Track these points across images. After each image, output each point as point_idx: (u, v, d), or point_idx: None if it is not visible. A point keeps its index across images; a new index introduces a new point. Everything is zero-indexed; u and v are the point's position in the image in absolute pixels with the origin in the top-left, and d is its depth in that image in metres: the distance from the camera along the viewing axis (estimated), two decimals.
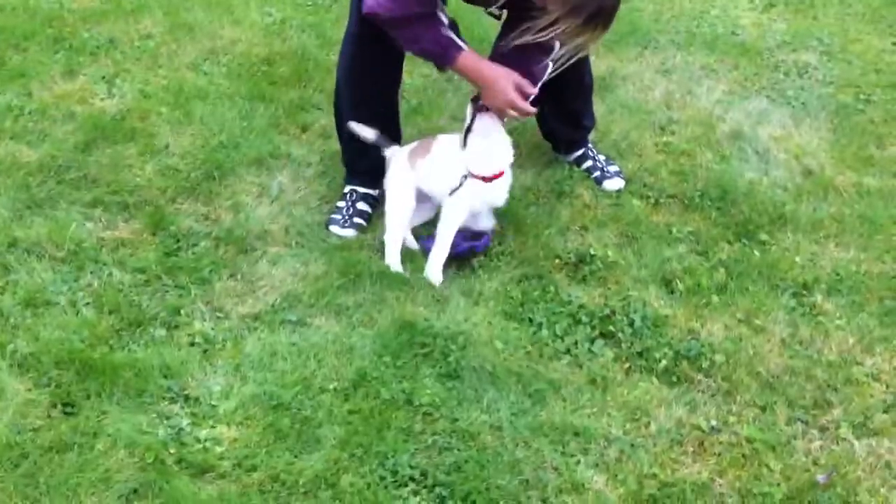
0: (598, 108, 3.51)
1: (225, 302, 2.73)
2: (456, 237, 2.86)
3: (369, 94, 3.02)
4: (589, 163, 3.34)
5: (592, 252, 2.93)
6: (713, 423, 2.40)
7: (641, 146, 3.47)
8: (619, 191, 3.23)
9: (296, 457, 2.27)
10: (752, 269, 2.90)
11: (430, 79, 3.79)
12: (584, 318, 2.71)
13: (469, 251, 2.91)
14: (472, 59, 2.78)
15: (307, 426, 2.35)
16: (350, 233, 3.04)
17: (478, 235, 2.93)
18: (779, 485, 2.24)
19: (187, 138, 3.37)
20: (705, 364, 2.56)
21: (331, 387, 2.46)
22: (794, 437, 2.36)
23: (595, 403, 2.46)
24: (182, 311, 2.67)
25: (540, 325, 2.69)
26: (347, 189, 3.15)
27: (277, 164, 3.32)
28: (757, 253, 2.96)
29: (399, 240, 2.92)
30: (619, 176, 3.29)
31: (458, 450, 2.31)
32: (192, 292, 2.74)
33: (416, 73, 3.83)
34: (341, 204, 3.12)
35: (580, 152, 3.36)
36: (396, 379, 2.49)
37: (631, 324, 2.70)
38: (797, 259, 2.94)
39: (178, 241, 2.92)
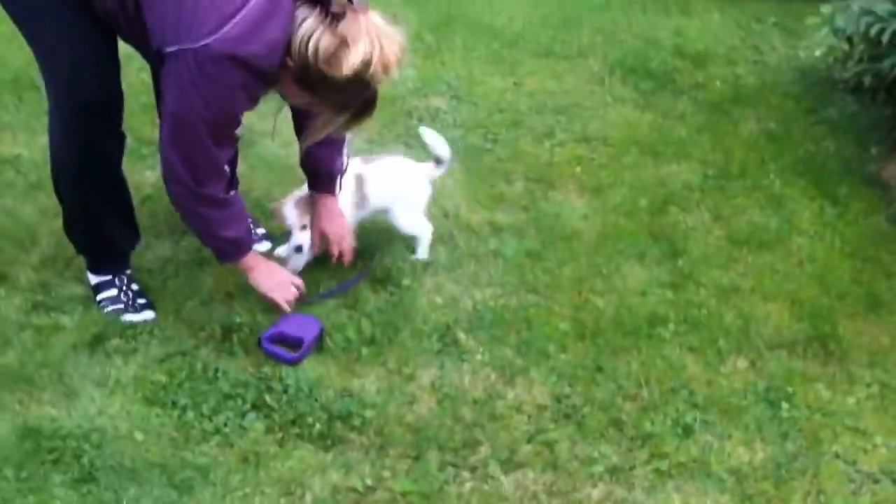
0: (240, 164, 3.41)
1: None
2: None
3: (96, 182, 2.74)
4: None
5: (239, 320, 2.82)
6: (368, 482, 2.37)
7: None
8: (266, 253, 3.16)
9: None
10: (399, 316, 2.92)
11: None
12: (234, 393, 2.59)
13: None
14: (255, 257, 2.81)
15: None
16: (150, 315, 2.84)
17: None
18: None
19: None
20: (357, 422, 2.53)
21: None
22: (446, 482, 2.39)
23: (247, 483, 2.34)
24: None
25: (185, 407, 2.53)
26: (107, 277, 2.86)
27: None
28: (402, 300, 2.99)
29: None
30: (265, 239, 3.22)
31: None
32: None
33: (34, 145, 3.53)
34: (112, 293, 2.84)
35: None
36: (21, 494, 2.24)
37: (285, 390, 2.61)
38: (439, 300, 3.02)
39: None
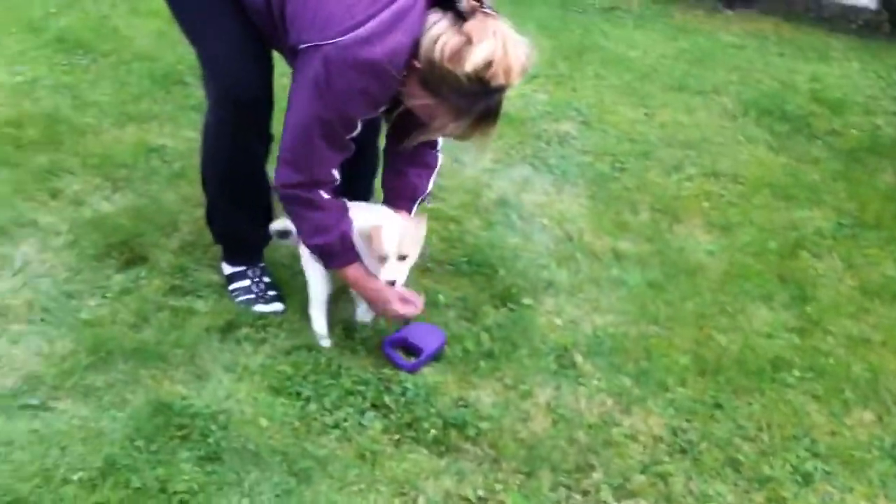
0: None
1: None
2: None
3: (240, 178, 2.84)
4: None
5: (360, 320, 2.89)
6: (480, 492, 2.38)
7: None
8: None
9: None
10: (517, 333, 2.94)
11: (194, 143, 3.64)
12: (355, 390, 2.65)
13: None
14: (361, 271, 2.70)
15: None
16: (279, 307, 2.91)
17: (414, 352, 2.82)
18: None
19: None
20: (472, 432, 2.55)
21: (75, 477, 2.26)
22: (557, 502, 2.38)
23: (363, 479, 2.38)
24: None
25: (308, 398, 2.60)
26: (241, 268, 2.97)
27: (22, 233, 3.07)
28: (521, 317, 3.01)
29: (323, 311, 2.80)
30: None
31: None
32: None
33: (179, 137, 3.69)
34: (245, 283, 2.94)
35: None
36: (150, 465, 2.32)
37: (404, 393, 2.66)
38: (559, 322, 3.02)
39: None
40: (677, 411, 2.71)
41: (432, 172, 2.85)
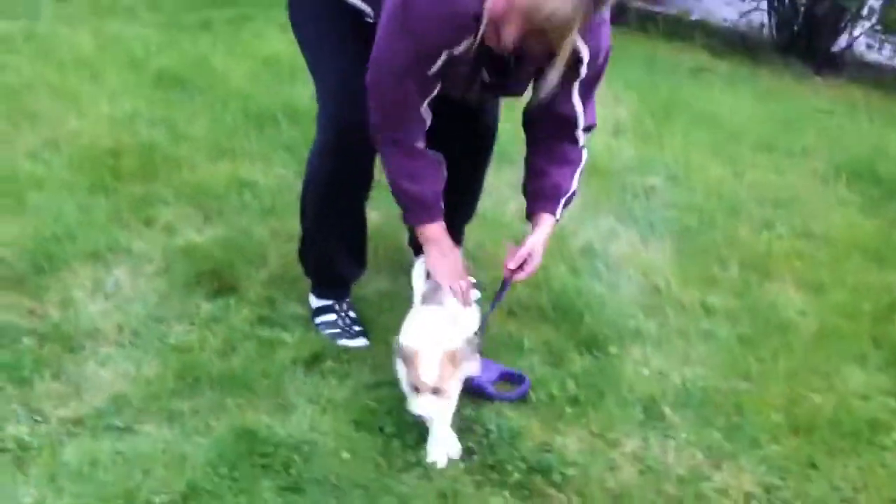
0: None
1: (44, 404, 2.49)
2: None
3: (338, 209, 2.85)
4: None
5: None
6: None
7: (496, 257, 3.45)
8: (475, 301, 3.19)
9: None
10: (604, 381, 2.87)
11: (285, 180, 3.71)
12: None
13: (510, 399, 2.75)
14: (441, 233, 2.68)
15: None
16: (363, 342, 2.91)
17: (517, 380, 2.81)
18: None
19: (16, 227, 3.13)
20: (557, 478, 2.48)
21: (157, 500, 2.25)
22: None
23: None
24: None
25: (390, 435, 2.56)
26: (329, 302, 2.98)
27: (115, 258, 3.13)
28: (608, 365, 2.95)
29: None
30: (475, 288, 3.26)
31: None
32: (7, 392, 2.49)
33: (270, 174, 3.75)
34: (331, 317, 2.95)
35: None
36: (232, 492, 2.30)
37: (486, 434, 2.60)
38: (646, 372, 2.95)
39: None
40: (770, 469, 2.60)
41: (576, 169, 2.75)
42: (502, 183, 4.01)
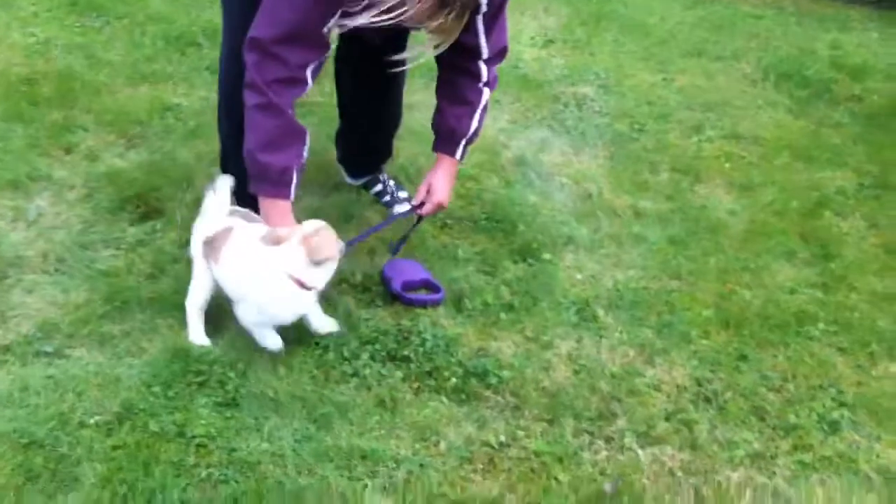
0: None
1: None
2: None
3: None
4: (379, 187, 3.28)
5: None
6: (502, 438, 2.35)
7: (428, 171, 3.43)
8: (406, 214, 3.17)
9: (50, 497, 2.05)
10: (538, 287, 2.90)
11: (208, 103, 3.61)
12: (374, 340, 2.61)
13: (423, 303, 2.76)
14: (281, 210, 2.53)
15: (63, 464, 2.12)
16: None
17: (434, 288, 2.81)
18: (567, 497, 2.21)
19: None
20: (493, 381, 2.52)
21: (92, 421, 2.24)
22: (580, 448, 2.35)
23: (383, 425, 2.36)
24: None
25: (326, 347, 2.56)
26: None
27: (36, 186, 3.05)
28: (541, 272, 2.97)
29: (201, 316, 2.57)
30: (407, 202, 3.24)
31: (236, 481, 2.15)
32: None
33: (193, 96, 3.66)
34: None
35: (370, 177, 3.29)
36: (167, 410, 2.30)
37: (423, 343, 2.61)
38: (579, 277, 2.98)
39: None
40: (701, 362, 2.67)
41: (475, 109, 2.77)
42: (433, 96, 3.96)
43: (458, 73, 2.75)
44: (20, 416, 2.22)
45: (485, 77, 2.75)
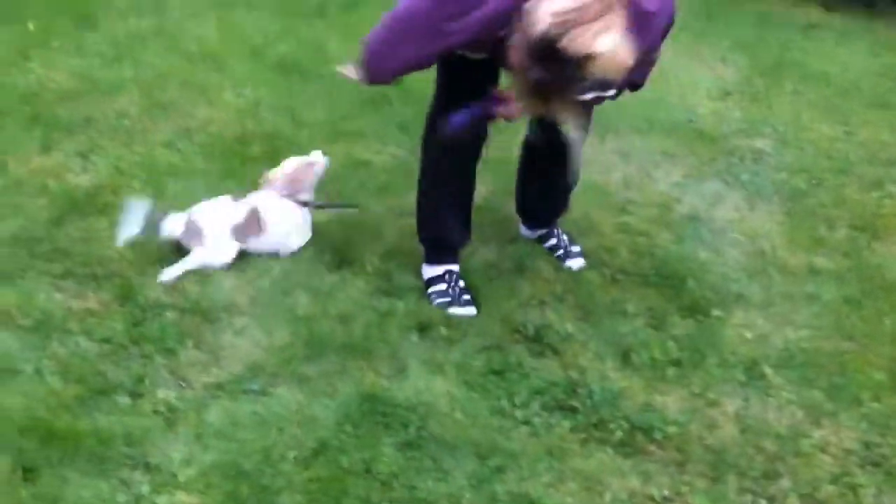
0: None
1: (189, 371, 2.77)
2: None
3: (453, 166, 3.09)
4: (553, 241, 3.43)
5: (551, 325, 3.01)
6: (665, 493, 2.45)
7: (601, 225, 3.58)
8: (580, 269, 3.32)
9: None
10: (706, 344, 2.98)
11: (399, 159, 3.90)
12: (544, 390, 2.77)
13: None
14: None
15: (266, 494, 2.37)
16: (472, 310, 3.09)
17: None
18: None
19: None
20: (658, 436, 2.62)
21: (291, 455, 2.49)
22: None
23: (552, 473, 2.50)
24: (146, 381, 2.70)
25: (499, 396, 2.74)
26: (440, 272, 3.18)
27: None
28: (710, 329, 3.04)
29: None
30: (580, 256, 3.39)
31: None
32: (156, 361, 2.78)
33: (385, 153, 3.95)
34: (442, 287, 3.16)
35: (545, 230, 3.46)
36: (356, 448, 2.53)
37: (590, 395, 2.75)
38: (749, 335, 3.03)
39: (144, 311, 2.97)
40: (871, 426, 2.67)
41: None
42: (606, 151, 4.11)
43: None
44: (231, 449, 2.51)
45: None
